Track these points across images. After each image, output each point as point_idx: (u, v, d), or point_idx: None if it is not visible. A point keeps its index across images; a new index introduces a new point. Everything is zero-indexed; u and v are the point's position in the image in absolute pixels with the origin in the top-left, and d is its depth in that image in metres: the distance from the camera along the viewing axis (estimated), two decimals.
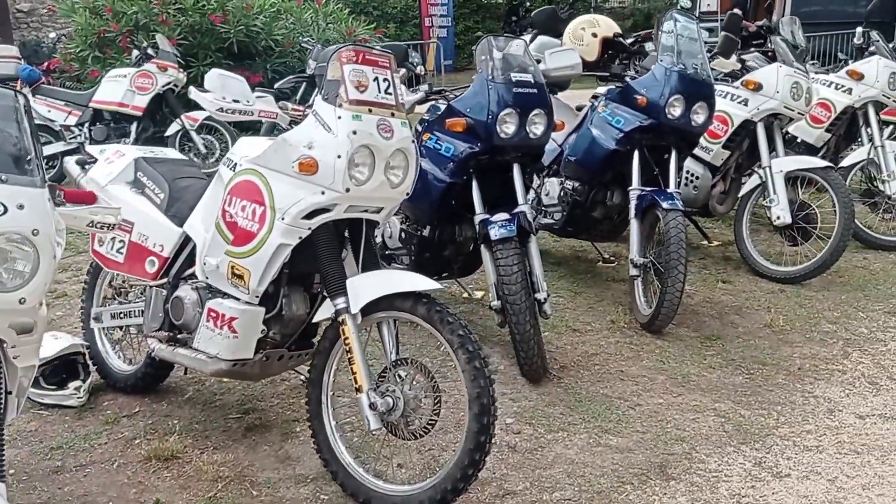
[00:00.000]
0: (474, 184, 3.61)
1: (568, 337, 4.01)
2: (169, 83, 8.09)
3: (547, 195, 4.75)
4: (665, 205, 3.96)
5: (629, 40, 4.80)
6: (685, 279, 3.90)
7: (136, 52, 8.27)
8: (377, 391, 2.57)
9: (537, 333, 3.31)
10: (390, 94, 2.65)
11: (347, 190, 2.53)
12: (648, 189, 4.17)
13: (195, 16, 9.28)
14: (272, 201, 2.61)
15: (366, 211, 2.70)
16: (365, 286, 2.58)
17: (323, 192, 2.54)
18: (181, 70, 8.30)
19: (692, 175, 5.16)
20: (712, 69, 5.09)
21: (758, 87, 4.85)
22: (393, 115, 2.63)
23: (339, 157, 2.50)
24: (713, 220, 5.79)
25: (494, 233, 3.37)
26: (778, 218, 4.76)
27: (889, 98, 5.48)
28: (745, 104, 4.91)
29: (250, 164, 2.70)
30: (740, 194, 5.04)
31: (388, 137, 2.59)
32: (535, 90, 3.52)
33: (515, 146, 3.54)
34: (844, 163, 5.52)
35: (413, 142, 2.71)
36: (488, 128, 3.45)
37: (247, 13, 9.54)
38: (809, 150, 5.71)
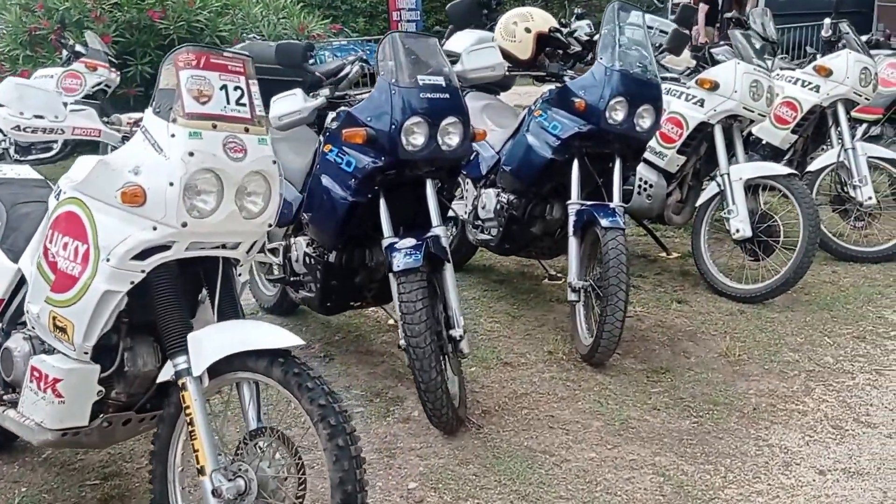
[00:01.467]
0: (382, 202, 3.14)
1: (497, 372, 3.55)
2: (99, 84, 7.56)
3: (483, 208, 4.28)
4: (604, 222, 3.50)
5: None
6: (626, 307, 3.44)
7: (66, 51, 7.74)
8: (228, 470, 2.10)
9: (446, 381, 2.84)
10: (244, 104, 2.18)
11: (185, 224, 2.05)
12: (588, 203, 3.71)
13: (132, 11, 8.75)
14: (96, 238, 2.13)
15: (220, 247, 2.23)
16: (210, 342, 2.10)
17: (155, 228, 2.06)
18: (113, 70, 7.77)
19: (645, 183, 4.71)
20: (664, 67, 4.65)
21: (714, 87, 4.40)
22: (247, 130, 2.16)
23: (171, 184, 2.03)
24: (675, 227, 5.34)
25: (396, 262, 2.89)
26: (737, 231, 4.32)
27: (860, 95, 5.05)
28: (701, 105, 4.46)
29: (73, 191, 2.21)
30: (697, 204, 4.59)
31: (238, 158, 2.12)
32: (448, 95, 3.05)
33: (426, 160, 3.06)
34: (812, 167, 5.09)
35: (275, 162, 2.23)
36: (392, 139, 2.97)
37: (189, 8, 9.01)
38: (775, 152, 5.27)
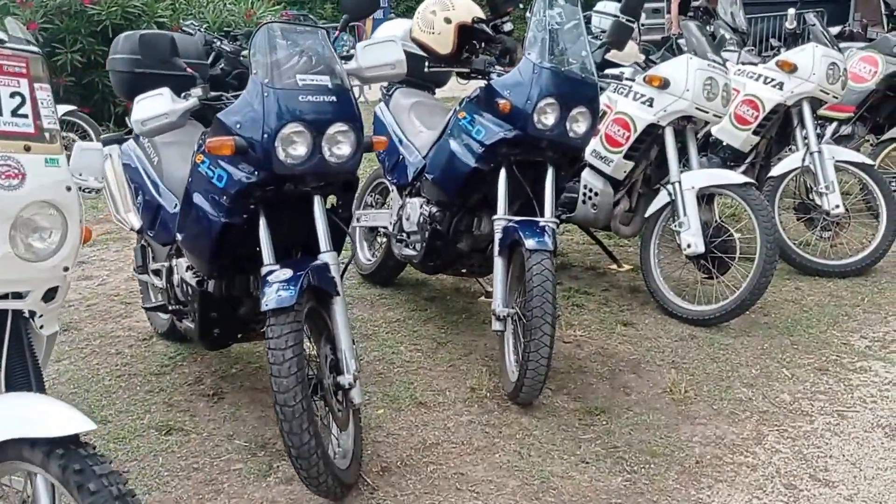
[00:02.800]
0: (262, 223, 2.66)
1: (409, 415, 3.09)
2: None
3: (408, 220, 3.82)
4: (529, 243, 3.04)
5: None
6: (553, 341, 2.99)
7: None
8: None
9: (322, 444, 2.37)
10: (24, 115, 1.70)
11: None
12: (516, 220, 3.25)
13: None
14: None
15: (2, 297, 1.76)
16: None
17: None
18: None
19: (591, 191, 4.26)
20: (609, 62, 4.19)
21: (664, 84, 3.94)
22: (28, 149, 1.68)
23: None
24: (624, 239, 4.90)
25: (266, 299, 2.41)
26: (689, 246, 3.88)
27: (828, 94, 4.62)
28: (651, 105, 4.01)
29: None
30: (646, 214, 4.15)
31: (12, 186, 1.64)
32: (335, 98, 2.56)
33: (311, 173, 2.59)
34: (775, 171, 4.66)
35: (70, 188, 1.75)
36: (266, 150, 2.49)
37: None
38: (736, 155, 4.84)
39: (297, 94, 2.51)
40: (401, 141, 3.97)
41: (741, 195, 3.82)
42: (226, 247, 2.73)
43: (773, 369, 3.45)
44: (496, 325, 3.21)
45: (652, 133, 4.06)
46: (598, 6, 9.96)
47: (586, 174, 4.27)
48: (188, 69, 2.94)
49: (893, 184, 5.43)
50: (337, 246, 2.75)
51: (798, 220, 4.77)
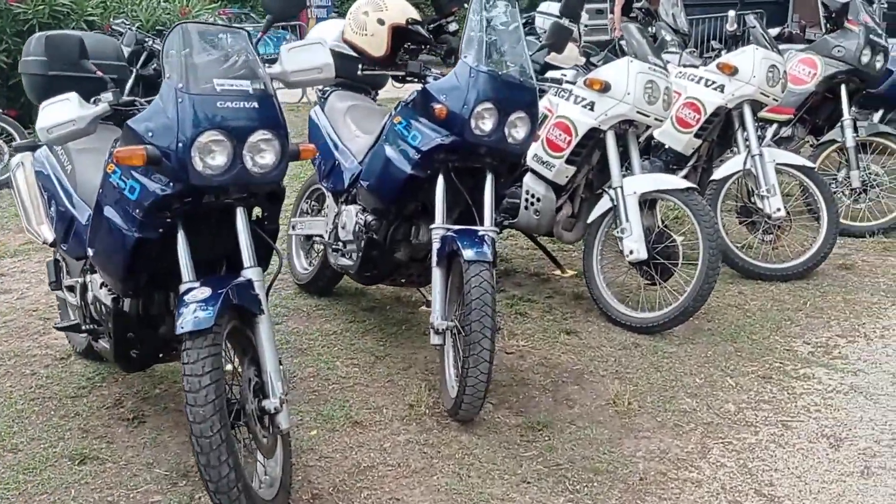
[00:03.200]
0: (180, 238, 2.48)
1: (343, 436, 2.94)
2: None
3: (343, 228, 3.67)
4: (468, 254, 2.92)
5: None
6: (493, 355, 2.87)
7: None
8: None
9: (244, 477, 2.21)
10: None
11: None
12: (455, 229, 3.13)
13: None
14: None
15: None
16: None
17: None
18: None
19: (533, 196, 4.16)
20: (549, 65, 4.10)
21: (605, 88, 3.86)
22: None
23: None
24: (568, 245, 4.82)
25: (181, 321, 2.24)
26: (631, 252, 3.81)
27: (768, 96, 4.60)
28: (592, 109, 3.93)
29: None
30: (589, 220, 4.07)
31: None
32: (257, 104, 2.40)
33: (231, 185, 2.42)
34: (717, 174, 4.62)
35: None
36: (181, 160, 2.32)
37: None
38: (679, 158, 4.80)
39: (215, 99, 2.35)
40: (336, 146, 3.82)
41: (683, 200, 3.76)
42: (141, 263, 2.55)
43: (717, 378, 3.40)
44: (435, 339, 3.09)
45: (593, 137, 3.98)
46: (542, 6, 9.97)
47: (528, 179, 4.18)
48: (98, 72, 2.75)
49: (834, 185, 5.48)
50: (262, 261, 2.59)
51: (740, 223, 4.74)
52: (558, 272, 4.63)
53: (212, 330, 2.21)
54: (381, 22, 3.38)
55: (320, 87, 4.12)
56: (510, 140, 3.17)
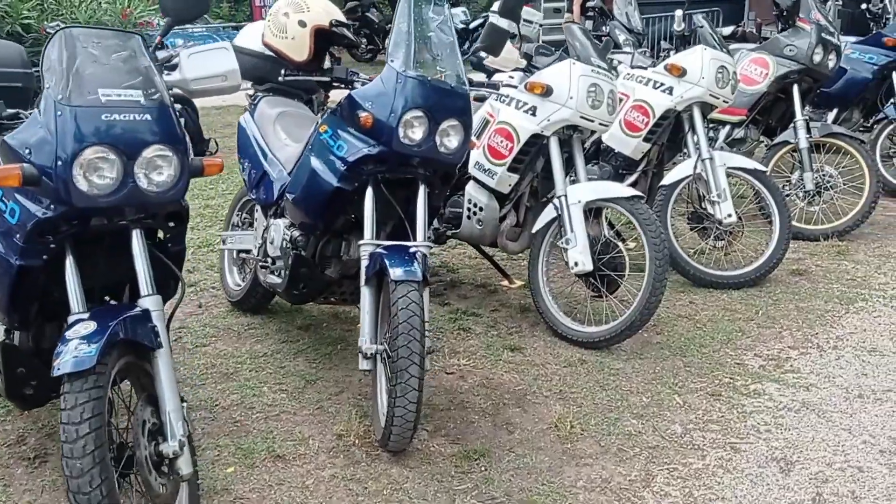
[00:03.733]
0: (68, 263, 2.25)
1: (263, 473, 2.72)
2: None
3: (272, 243, 3.45)
4: (395, 272, 2.72)
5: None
6: (422, 383, 2.68)
7: None
8: None
9: None
10: None
11: None
12: (385, 245, 2.93)
13: None
14: None
15: None
16: None
17: None
18: None
19: (475, 205, 3.98)
20: (485, 68, 3.92)
21: (547, 92, 3.69)
22: None
23: None
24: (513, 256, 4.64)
25: (58, 363, 2.01)
26: (576, 264, 3.64)
27: (718, 98, 4.46)
28: (534, 114, 3.75)
29: None
30: (533, 230, 3.89)
31: None
32: (149, 116, 2.18)
33: (123, 205, 2.20)
34: (667, 180, 4.48)
35: None
36: (62, 179, 2.09)
37: None
38: (628, 163, 4.64)
39: (100, 111, 2.12)
40: (265, 155, 3.60)
41: (629, 209, 3.60)
42: (27, 293, 2.31)
43: (665, 396, 3.24)
44: (364, 365, 2.87)
45: (536, 144, 3.80)
46: (495, 6, 9.80)
47: (470, 188, 3.99)
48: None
49: (787, 187, 5.38)
50: (164, 288, 2.36)
51: (691, 229, 4.60)
52: (506, 283, 4.45)
53: (94, 370, 1.98)
54: (302, 24, 3.17)
55: (248, 91, 3.89)
56: (442, 149, 2.97)
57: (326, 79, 3.12)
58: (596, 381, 3.36)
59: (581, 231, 3.64)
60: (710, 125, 5.67)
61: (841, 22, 9.56)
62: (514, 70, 3.94)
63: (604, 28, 7.27)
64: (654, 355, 3.59)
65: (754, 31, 6.72)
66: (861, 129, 6.82)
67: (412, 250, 2.89)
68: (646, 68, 4.61)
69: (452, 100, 2.97)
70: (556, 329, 3.74)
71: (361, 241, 2.97)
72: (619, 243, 3.70)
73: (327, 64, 3.71)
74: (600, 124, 3.77)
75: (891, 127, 6.24)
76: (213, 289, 4.36)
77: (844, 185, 5.23)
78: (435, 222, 4.17)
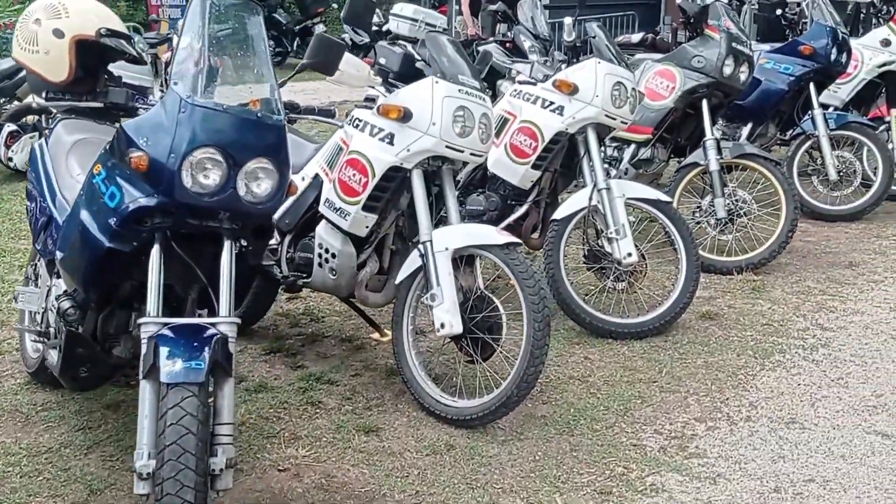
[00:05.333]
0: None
1: None
2: None
3: (52, 309, 2.71)
4: (167, 370, 2.04)
5: None
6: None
7: None
8: None
9: None
10: None
11: None
12: (173, 323, 2.23)
13: None
14: None
15: None
16: None
17: None
18: None
19: (327, 251, 3.30)
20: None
21: (404, 117, 3.04)
22: None
23: None
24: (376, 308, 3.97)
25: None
26: (442, 325, 2.99)
27: (615, 118, 3.88)
28: (391, 142, 3.10)
29: None
30: (397, 281, 3.24)
31: None
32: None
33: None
34: (559, 213, 3.88)
35: None
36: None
37: None
38: (517, 193, 4.04)
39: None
40: (53, 195, 2.85)
41: (503, 259, 2.98)
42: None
43: (544, 496, 2.61)
44: (140, 488, 2.15)
45: (396, 177, 3.15)
46: (395, 8, 9.12)
47: (322, 230, 3.32)
48: None
49: (697, 214, 4.86)
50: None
51: (588, 269, 4.02)
52: (376, 336, 3.78)
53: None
54: (58, 34, 2.43)
55: (57, 113, 3.14)
56: (248, 197, 2.28)
57: (98, 104, 2.40)
58: (462, 476, 2.72)
59: (448, 285, 2.99)
60: (615, 144, 5.14)
61: (757, 28, 9.25)
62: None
63: (508, 33, 6.73)
64: (536, 435, 2.97)
65: (669, 37, 6.25)
66: (779, 142, 6.42)
67: (208, 333, 2.21)
68: (535, 83, 4.01)
69: (260, 134, 2.29)
70: (423, 402, 3.10)
71: (142, 319, 2.26)
72: (496, 299, 3.07)
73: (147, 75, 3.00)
74: (472, 154, 3.14)
75: (809, 143, 5.83)
76: (18, 352, 3.57)
77: (759, 211, 4.75)
78: (285, 268, 3.52)
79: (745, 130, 5.93)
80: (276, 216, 3.45)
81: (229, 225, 2.35)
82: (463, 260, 3.11)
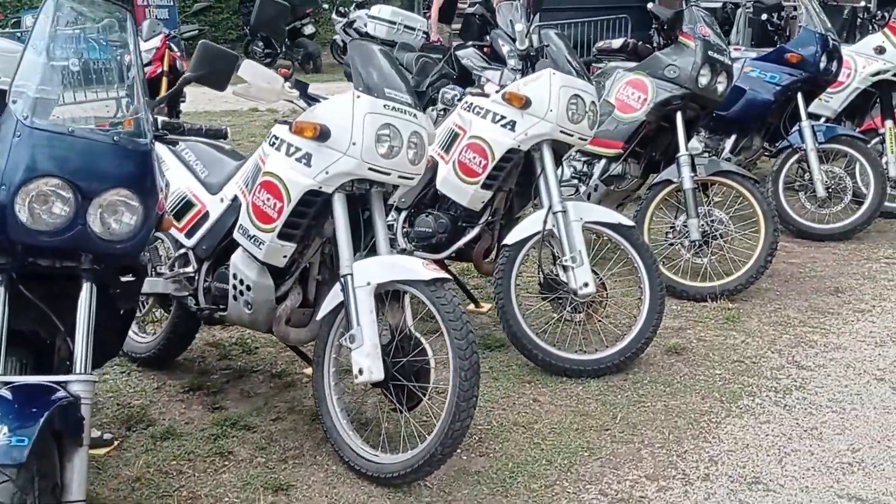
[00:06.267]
0: None
1: None
2: None
3: None
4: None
5: None
6: None
7: None
8: None
9: None
10: None
11: None
12: (14, 383, 1.91)
13: None
14: None
15: None
16: None
17: None
18: None
19: (241, 282, 2.96)
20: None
21: (321, 135, 2.70)
22: None
23: None
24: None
25: None
26: (360, 371, 2.65)
27: (571, 134, 3.53)
28: (308, 164, 2.76)
29: None
30: (318, 317, 2.90)
31: None
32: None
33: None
34: (510, 238, 3.53)
35: None
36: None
37: None
38: (468, 214, 3.70)
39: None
40: None
41: (429, 297, 2.63)
42: None
43: None
44: None
45: (315, 202, 2.81)
46: (373, 10, 8.81)
47: (237, 258, 2.98)
48: None
49: (671, 235, 4.52)
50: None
51: (543, 299, 3.67)
52: (308, 370, 3.45)
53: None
54: None
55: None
56: (105, 234, 1.96)
57: None
58: None
59: (369, 325, 2.65)
60: (584, 159, 4.80)
61: (752, 32, 8.88)
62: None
63: (485, 38, 6.41)
64: (466, 496, 2.62)
65: (662, 42, 5.91)
66: (767, 154, 6.07)
67: (54, 396, 1.88)
68: (487, 95, 3.67)
69: (117, 161, 1.97)
70: (344, 456, 2.76)
71: None
72: (424, 340, 2.73)
73: None
74: (400, 177, 2.80)
75: (796, 156, 5.49)
76: None
77: (737, 232, 4.41)
78: (202, 299, 3.19)
79: (729, 143, 5.60)
80: (190, 242, 3.20)
81: (89, 265, 2.02)
82: (389, 295, 2.78)
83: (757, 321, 3.99)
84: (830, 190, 5.42)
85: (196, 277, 3.20)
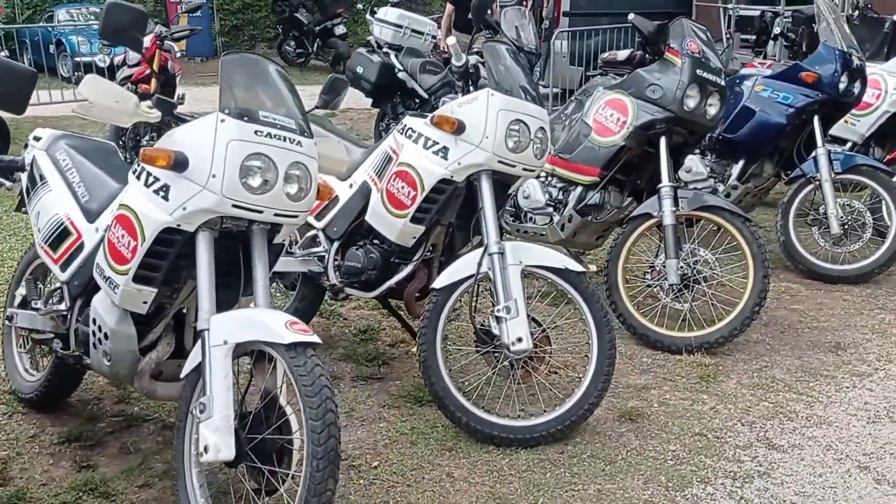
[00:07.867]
0: None
1: None
2: None
3: None
4: None
5: None
6: None
7: None
8: None
9: None
10: None
11: None
12: None
13: None
14: None
15: None
16: None
17: None
18: None
19: (100, 329, 2.56)
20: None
21: (176, 164, 2.26)
22: None
23: None
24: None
25: None
26: (206, 449, 2.23)
27: (513, 165, 3.05)
28: (166, 197, 2.33)
29: None
30: (182, 374, 2.47)
31: None
32: None
33: None
34: (438, 281, 3.06)
35: None
36: None
37: None
38: (403, 252, 3.26)
39: None
40: None
41: (288, 365, 2.20)
42: None
43: None
44: None
45: (174, 241, 2.38)
46: (380, 13, 8.39)
47: (97, 302, 2.59)
48: None
49: (649, 276, 4.01)
50: None
51: (476, 351, 3.20)
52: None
53: None
54: None
55: None
56: None
57: None
58: None
59: (222, 392, 2.22)
60: (561, 185, 4.31)
61: (791, 45, 8.22)
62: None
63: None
64: None
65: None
66: (783, 178, 5.48)
67: None
68: (424, 116, 3.22)
69: None
70: None
71: None
72: (290, 410, 2.29)
73: None
74: (276, 215, 2.37)
75: (810, 187, 4.91)
76: None
77: (723, 276, 3.88)
78: (73, 343, 2.80)
79: (737, 169, 5.05)
80: (64, 276, 2.81)
81: None
82: (254, 355, 2.35)
83: (735, 382, 3.46)
84: (846, 226, 4.83)
85: (69, 316, 2.82)
